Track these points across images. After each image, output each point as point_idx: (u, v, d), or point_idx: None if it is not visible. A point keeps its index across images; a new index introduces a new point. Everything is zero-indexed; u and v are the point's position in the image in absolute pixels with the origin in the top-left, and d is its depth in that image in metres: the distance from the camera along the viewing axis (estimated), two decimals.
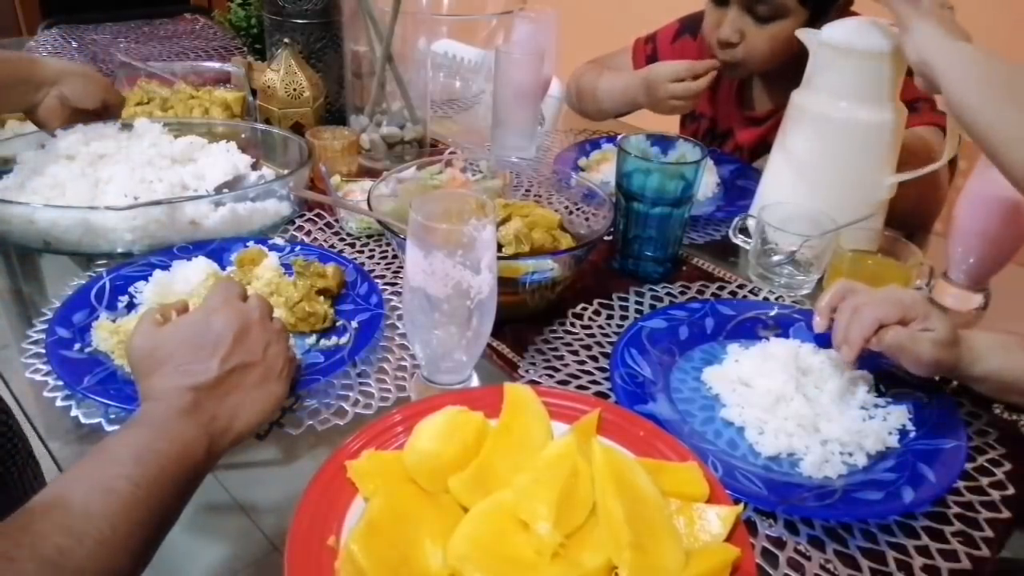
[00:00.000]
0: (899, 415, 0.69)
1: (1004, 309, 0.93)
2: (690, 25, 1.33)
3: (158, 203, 0.88)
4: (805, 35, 0.93)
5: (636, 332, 0.78)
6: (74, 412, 0.66)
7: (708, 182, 1.12)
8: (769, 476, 0.63)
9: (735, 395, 0.70)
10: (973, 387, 0.71)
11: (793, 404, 0.68)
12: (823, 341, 0.74)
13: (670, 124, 1.45)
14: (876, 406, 0.70)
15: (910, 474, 0.62)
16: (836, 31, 0.89)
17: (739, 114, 1.29)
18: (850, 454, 0.65)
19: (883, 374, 0.73)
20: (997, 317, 0.90)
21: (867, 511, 0.59)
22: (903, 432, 0.68)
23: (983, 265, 0.87)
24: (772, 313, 0.82)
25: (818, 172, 0.94)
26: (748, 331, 0.80)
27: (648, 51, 1.37)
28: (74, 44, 1.67)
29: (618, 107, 1.31)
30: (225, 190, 0.96)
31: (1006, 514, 0.61)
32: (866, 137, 0.91)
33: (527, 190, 1.01)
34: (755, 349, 0.75)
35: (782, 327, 0.81)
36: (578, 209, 0.94)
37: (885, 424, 0.68)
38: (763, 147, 1.26)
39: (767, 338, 0.78)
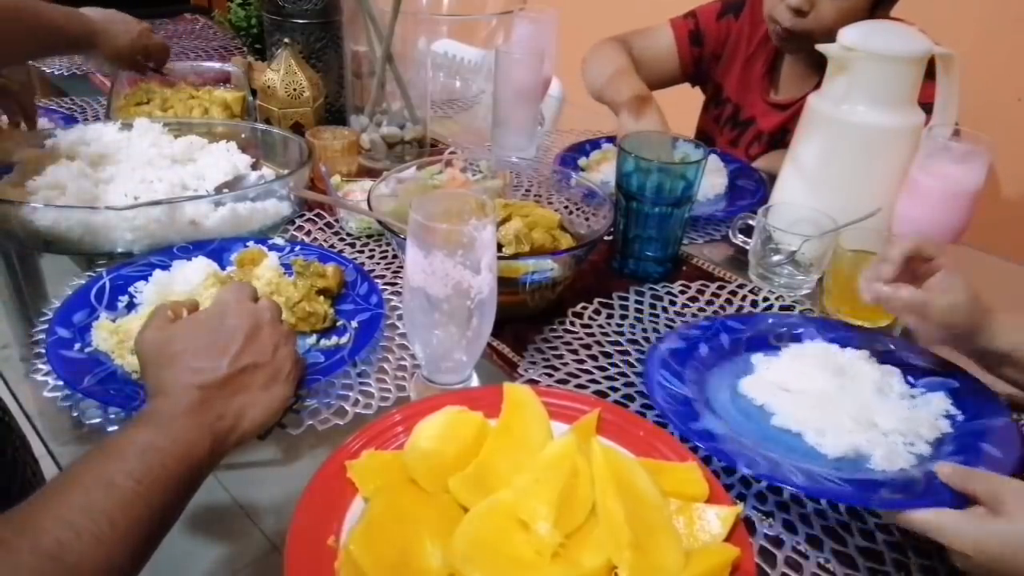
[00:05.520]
0: (939, 401, 0.68)
1: (1003, 307, 0.93)
2: (733, 6, 1.33)
3: (158, 203, 0.88)
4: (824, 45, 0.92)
5: (657, 353, 0.74)
6: (74, 412, 0.66)
7: (716, 183, 1.12)
8: (853, 476, 0.61)
9: (781, 402, 0.69)
10: (993, 369, 0.69)
11: (841, 401, 0.67)
12: (840, 341, 0.75)
13: (691, 108, 1.46)
14: (912, 396, 0.70)
15: (976, 454, 0.62)
16: (856, 34, 0.87)
17: (763, 100, 1.30)
18: (911, 444, 0.64)
19: (908, 367, 0.72)
20: None
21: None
22: (950, 417, 0.67)
23: None
24: (782, 324, 0.80)
25: (834, 177, 0.93)
26: (762, 343, 0.78)
27: (690, 26, 1.36)
28: None
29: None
30: (225, 190, 0.96)
31: None
32: (887, 142, 0.90)
33: (527, 190, 1.01)
34: (783, 355, 0.74)
35: (795, 339, 0.78)
36: (578, 209, 0.94)
37: (931, 411, 0.67)
38: (783, 135, 1.26)
39: (782, 346, 0.77)
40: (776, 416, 0.68)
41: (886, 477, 0.61)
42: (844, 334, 0.77)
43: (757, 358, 0.75)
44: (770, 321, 0.81)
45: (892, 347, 0.76)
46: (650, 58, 1.37)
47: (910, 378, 0.72)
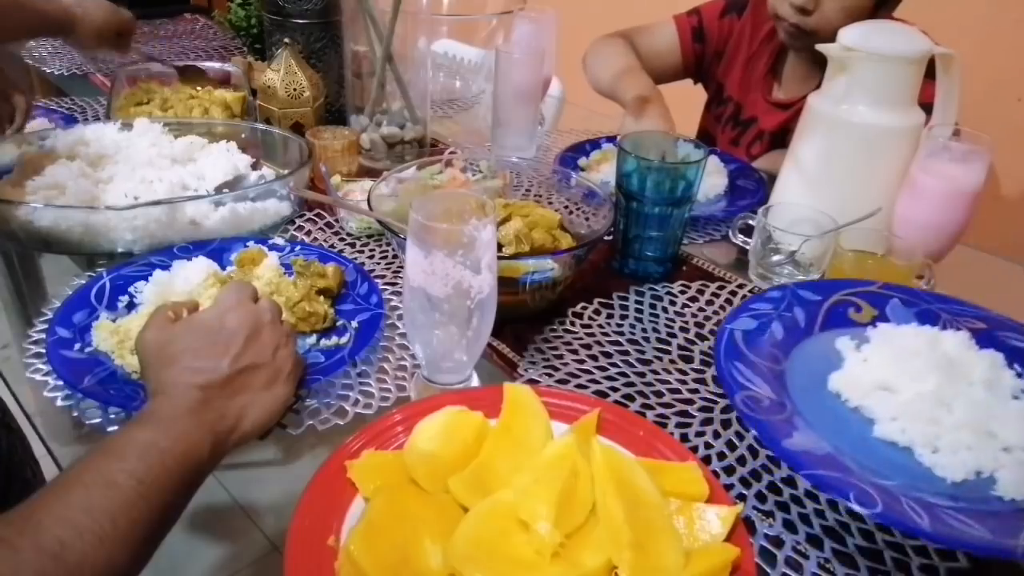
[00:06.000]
0: None
1: (1004, 307, 0.93)
2: (736, 5, 1.34)
3: (158, 203, 0.88)
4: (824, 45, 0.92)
5: (728, 339, 0.65)
6: (74, 412, 0.66)
7: (716, 183, 1.12)
8: (979, 508, 0.51)
9: (882, 406, 0.58)
10: None
11: (958, 408, 0.56)
12: (927, 318, 0.66)
13: (694, 107, 1.45)
14: None
15: None
16: (857, 34, 0.87)
17: (765, 99, 1.30)
18: None
19: (1010, 350, 0.64)
20: None
21: None
22: None
23: (925, 253, 0.87)
24: (859, 291, 0.71)
25: (834, 177, 0.93)
26: (840, 317, 0.69)
27: (693, 23, 1.37)
28: None
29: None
30: (225, 190, 0.96)
31: None
32: (887, 142, 0.90)
33: (527, 190, 1.01)
34: (874, 339, 0.65)
35: (876, 306, 0.70)
36: (578, 209, 0.94)
37: None
38: (784, 134, 1.26)
39: (868, 324, 0.68)
40: (878, 425, 0.58)
41: (1016, 507, 0.52)
42: (929, 307, 0.68)
43: (844, 344, 0.66)
44: (846, 289, 0.72)
45: (987, 323, 0.66)
46: (652, 54, 1.37)
47: (1016, 366, 0.62)
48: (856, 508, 0.51)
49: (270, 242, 0.88)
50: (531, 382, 0.73)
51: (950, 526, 0.50)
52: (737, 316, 0.68)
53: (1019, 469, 0.54)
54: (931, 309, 0.69)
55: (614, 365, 0.76)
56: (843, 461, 0.55)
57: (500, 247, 0.80)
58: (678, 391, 0.73)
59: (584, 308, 0.85)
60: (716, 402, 0.71)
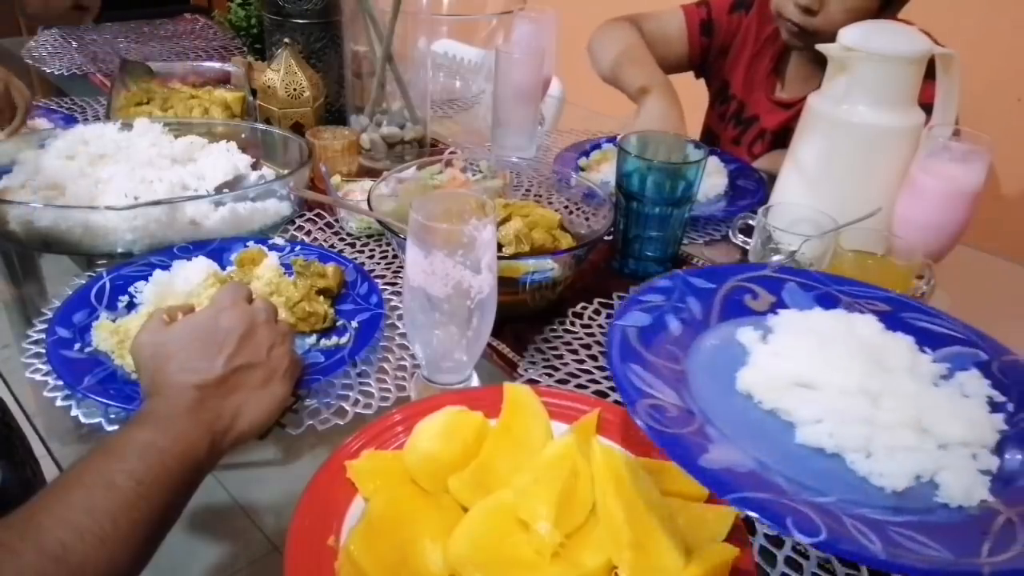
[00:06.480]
0: (974, 382, 0.54)
1: (1003, 307, 0.93)
2: (745, 0, 1.34)
3: (158, 203, 0.88)
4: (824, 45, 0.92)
5: (621, 339, 0.57)
6: (74, 412, 0.66)
7: (716, 183, 1.12)
8: (925, 519, 0.44)
9: (804, 407, 0.51)
10: None
11: (887, 403, 0.50)
12: (827, 302, 0.62)
13: (698, 105, 1.45)
14: (944, 377, 0.55)
15: None
16: (857, 34, 0.87)
17: (768, 98, 1.30)
18: (973, 456, 0.48)
19: (919, 333, 0.59)
20: (997, 316, 0.90)
21: None
22: (995, 405, 0.52)
23: (925, 253, 0.87)
24: (754, 276, 0.67)
25: (834, 177, 0.93)
26: (737, 306, 0.64)
27: (702, 15, 1.36)
28: (74, 44, 1.68)
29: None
30: (225, 190, 0.96)
31: None
32: (887, 142, 0.90)
33: (527, 190, 1.01)
34: (778, 328, 0.59)
35: (772, 292, 0.66)
36: (578, 209, 0.94)
37: (976, 401, 0.52)
38: (786, 133, 1.25)
39: (767, 312, 0.64)
40: (800, 429, 0.51)
41: (966, 515, 0.45)
42: (828, 290, 0.64)
43: (747, 335, 0.59)
44: (739, 275, 0.67)
45: (891, 305, 0.61)
46: (659, 40, 1.36)
47: (927, 348, 0.57)
48: (797, 537, 0.43)
49: (270, 242, 0.88)
50: (531, 382, 0.73)
51: (905, 548, 0.43)
52: (627, 311, 0.60)
53: (961, 469, 0.48)
54: (830, 292, 0.64)
55: None
56: (770, 478, 0.47)
57: (500, 247, 0.80)
58: None
59: (584, 308, 0.85)
60: None
